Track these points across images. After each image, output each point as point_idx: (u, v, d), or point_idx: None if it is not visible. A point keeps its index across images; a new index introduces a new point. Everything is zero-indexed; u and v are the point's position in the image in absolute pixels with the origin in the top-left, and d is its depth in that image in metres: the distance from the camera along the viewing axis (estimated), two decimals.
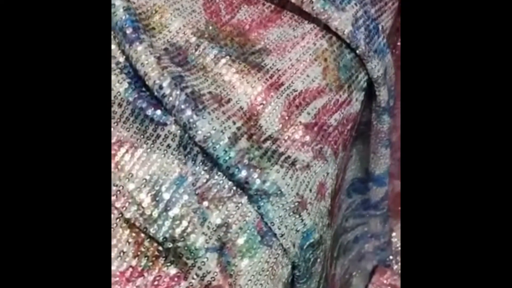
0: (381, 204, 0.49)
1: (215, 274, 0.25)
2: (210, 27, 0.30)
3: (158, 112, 0.26)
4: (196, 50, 0.29)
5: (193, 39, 0.29)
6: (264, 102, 0.28)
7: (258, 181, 0.26)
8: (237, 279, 0.25)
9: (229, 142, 0.26)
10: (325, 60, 0.31)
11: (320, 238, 0.30)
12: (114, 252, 0.24)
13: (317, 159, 0.29)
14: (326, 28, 0.31)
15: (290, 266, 0.28)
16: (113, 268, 0.24)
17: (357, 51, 0.31)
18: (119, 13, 0.26)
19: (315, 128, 0.29)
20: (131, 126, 0.26)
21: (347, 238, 0.52)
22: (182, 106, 0.25)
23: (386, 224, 0.53)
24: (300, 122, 0.29)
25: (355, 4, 0.30)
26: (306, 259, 0.28)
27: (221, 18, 0.31)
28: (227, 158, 0.26)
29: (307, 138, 0.29)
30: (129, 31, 0.26)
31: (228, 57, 0.29)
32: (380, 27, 0.32)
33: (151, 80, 0.25)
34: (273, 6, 0.32)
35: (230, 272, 0.25)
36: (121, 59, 0.27)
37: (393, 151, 0.42)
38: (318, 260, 0.30)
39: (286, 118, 0.29)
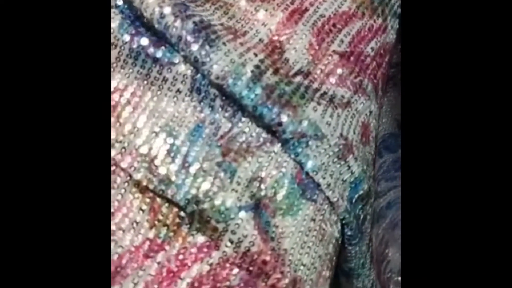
0: None
1: (254, 237, 0.20)
2: None
3: (162, 49, 0.21)
4: None
5: None
6: (287, 31, 0.23)
7: (293, 121, 0.21)
8: (281, 242, 0.20)
9: (253, 76, 0.21)
10: None
11: (369, 190, 0.25)
12: (125, 224, 0.20)
13: (357, 94, 0.24)
14: None
15: (339, 224, 0.23)
16: (125, 243, 0.19)
17: None
18: None
19: (352, 58, 0.24)
20: (131, 70, 0.21)
21: (380, 204, 0.47)
22: (191, 37, 0.21)
23: None
24: (333, 51, 0.24)
25: None
26: (357, 215, 0.24)
27: None
28: (252, 95, 0.21)
29: (344, 69, 0.24)
30: None
31: None
32: None
33: (150, 7, 0.21)
34: None
35: (271, 234, 0.20)
36: None
37: None
38: (368, 217, 0.26)
39: (317, 47, 0.24)
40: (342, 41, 0.24)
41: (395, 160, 0.45)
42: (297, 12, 0.24)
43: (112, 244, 0.19)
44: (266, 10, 0.24)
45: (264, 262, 0.20)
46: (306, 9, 0.24)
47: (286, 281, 0.20)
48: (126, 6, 0.22)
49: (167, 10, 0.20)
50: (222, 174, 0.20)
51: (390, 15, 0.27)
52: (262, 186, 0.21)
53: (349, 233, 0.23)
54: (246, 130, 0.22)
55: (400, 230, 0.52)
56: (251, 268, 0.20)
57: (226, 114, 0.22)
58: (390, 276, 0.50)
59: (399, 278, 0.46)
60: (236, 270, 0.20)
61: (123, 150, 0.20)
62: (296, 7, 0.24)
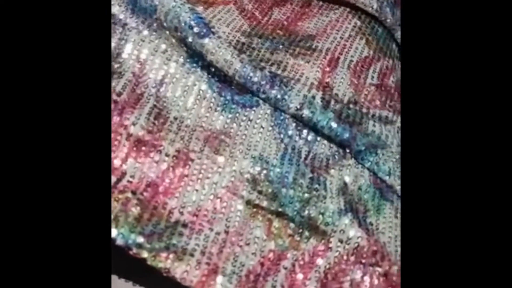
0: None
1: (360, 233, 0.23)
2: (254, 29, 0.32)
3: (245, 96, 0.26)
4: (249, 47, 0.30)
5: (243, 39, 0.30)
6: (330, 75, 0.29)
7: (362, 135, 0.26)
8: (379, 236, 0.23)
9: (323, 104, 0.26)
10: (364, 34, 0.33)
11: None
12: (249, 240, 0.22)
13: (395, 114, 0.29)
14: (353, 9, 0.34)
15: None
16: (255, 256, 0.21)
17: (386, 24, 0.34)
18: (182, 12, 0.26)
19: (383, 88, 0.30)
20: (224, 116, 0.25)
21: None
22: (269, 83, 0.25)
23: None
24: (370, 84, 0.30)
25: None
26: None
27: (260, 21, 0.32)
28: (326, 119, 0.25)
29: (380, 96, 0.29)
30: (199, 26, 0.26)
31: (281, 45, 0.30)
32: (395, 0, 0.36)
33: (233, 66, 0.25)
34: (301, 2, 0.34)
35: (372, 230, 0.23)
36: (181, 53, 0.26)
37: None
38: None
39: (356, 82, 0.29)
40: (372, 76, 0.30)
41: None
42: (333, 61, 0.30)
43: (244, 257, 0.21)
44: (308, 62, 0.30)
45: (374, 253, 0.22)
46: (338, 57, 0.31)
47: (396, 267, 0.22)
48: (204, 63, 0.26)
49: (248, 67, 0.25)
50: (317, 186, 0.24)
51: (395, 57, 0.34)
52: (351, 193, 0.24)
53: None
54: (322, 151, 0.26)
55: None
56: (364, 261, 0.22)
57: (302, 141, 0.26)
58: None
59: None
60: (352, 265, 0.22)
61: (232, 178, 0.23)
62: (331, 57, 0.30)
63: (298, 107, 0.25)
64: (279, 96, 0.25)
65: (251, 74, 0.26)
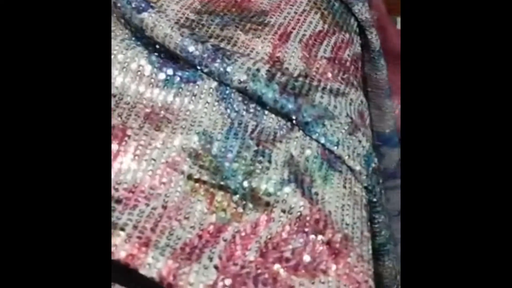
0: (398, 170, 0.48)
1: (302, 202, 0.22)
2: (205, 6, 0.31)
3: (188, 71, 0.25)
4: (199, 23, 0.29)
5: (193, 16, 0.30)
6: (281, 49, 0.29)
7: (309, 107, 0.25)
8: (324, 206, 0.23)
9: (268, 77, 0.25)
10: (319, 8, 0.32)
11: (378, 168, 0.29)
12: (188, 213, 0.21)
13: (348, 87, 0.29)
14: None
15: (364, 192, 0.26)
16: (193, 229, 0.21)
17: None
18: None
19: (336, 61, 0.30)
20: (166, 92, 0.25)
21: None
22: (211, 56, 0.25)
23: None
24: (321, 57, 0.29)
25: None
26: (376, 183, 0.27)
27: None
28: (271, 91, 0.25)
29: (333, 69, 0.29)
30: (137, 1, 0.25)
31: (232, 21, 0.30)
32: None
33: (173, 40, 0.25)
34: None
35: (315, 199, 0.23)
36: (125, 31, 0.26)
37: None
38: (383, 192, 0.29)
39: (308, 56, 0.29)
40: (325, 50, 0.30)
41: None
42: (284, 35, 0.30)
43: (181, 231, 0.21)
44: (259, 37, 0.29)
45: (317, 221, 0.22)
46: (291, 32, 0.30)
47: (340, 235, 0.22)
48: (148, 40, 0.26)
49: (188, 41, 0.25)
50: (261, 158, 0.23)
51: (353, 32, 0.34)
52: (297, 164, 0.24)
53: (374, 199, 0.26)
54: (270, 124, 0.25)
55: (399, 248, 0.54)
56: (306, 230, 0.22)
57: (250, 115, 0.25)
58: None
59: None
60: (294, 234, 0.22)
61: (173, 153, 0.23)
62: (282, 31, 0.30)
63: (242, 80, 0.25)
64: (221, 70, 0.25)
65: (192, 47, 0.25)
